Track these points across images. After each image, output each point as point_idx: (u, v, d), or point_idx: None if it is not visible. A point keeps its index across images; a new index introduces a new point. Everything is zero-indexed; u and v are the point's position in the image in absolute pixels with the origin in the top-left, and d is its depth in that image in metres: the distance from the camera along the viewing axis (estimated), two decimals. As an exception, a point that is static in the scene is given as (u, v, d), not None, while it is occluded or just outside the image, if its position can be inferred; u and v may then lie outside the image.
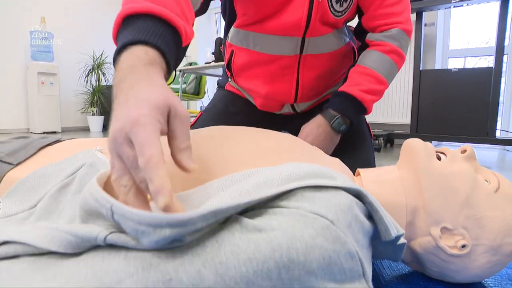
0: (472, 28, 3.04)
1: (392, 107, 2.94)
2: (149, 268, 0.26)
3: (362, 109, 0.72)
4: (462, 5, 2.26)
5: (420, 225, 0.44)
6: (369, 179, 0.48)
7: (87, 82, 4.52)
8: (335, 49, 0.78)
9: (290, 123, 0.90)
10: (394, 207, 0.44)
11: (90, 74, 4.54)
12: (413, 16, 2.52)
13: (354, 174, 0.51)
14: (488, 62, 3.00)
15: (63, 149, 0.52)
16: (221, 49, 2.77)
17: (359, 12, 0.78)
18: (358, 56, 0.80)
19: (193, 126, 0.89)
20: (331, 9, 0.71)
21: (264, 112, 0.90)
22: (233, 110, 0.89)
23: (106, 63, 4.65)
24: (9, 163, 0.48)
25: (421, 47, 2.48)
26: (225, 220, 0.28)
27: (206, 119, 0.88)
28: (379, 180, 0.47)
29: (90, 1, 4.78)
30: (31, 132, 4.15)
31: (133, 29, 0.39)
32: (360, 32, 0.81)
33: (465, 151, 0.46)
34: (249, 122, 0.72)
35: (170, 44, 0.40)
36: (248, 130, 0.50)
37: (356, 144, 0.80)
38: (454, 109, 2.36)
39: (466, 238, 0.42)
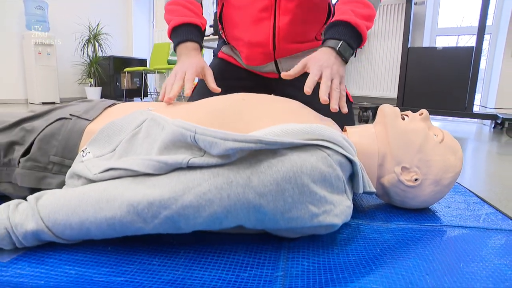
0: (461, 7, 3.17)
1: (380, 82, 3.12)
2: (217, 176, 0.44)
3: (358, 34, 0.74)
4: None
5: (387, 166, 0.62)
6: (352, 133, 0.66)
7: (83, 53, 4.54)
8: None
9: (277, 89, 1.03)
10: (370, 153, 0.63)
11: (86, 45, 4.55)
12: (403, -2, 2.65)
13: (342, 130, 0.69)
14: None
15: (121, 109, 0.68)
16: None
17: None
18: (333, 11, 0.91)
19: (192, 93, 0.99)
20: None
21: (253, 76, 1.03)
22: (225, 76, 1.00)
23: (103, 33, 4.65)
24: (86, 119, 0.64)
25: (410, 25, 2.62)
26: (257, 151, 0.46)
27: (203, 86, 0.97)
28: (360, 134, 0.65)
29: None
30: (30, 103, 4.21)
31: (181, 33, 0.85)
32: None
33: (421, 114, 0.64)
34: (240, 87, 0.88)
35: (199, 36, 0.87)
36: (269, 97, 0.66)
37: (340, 111, 0.92)
38: (437, 84, 2.54)
39: (418, 174, 0.60)
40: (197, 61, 0.79)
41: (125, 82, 4.68)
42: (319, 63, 0.69)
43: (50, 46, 4.14)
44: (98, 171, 0.50)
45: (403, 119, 0.65)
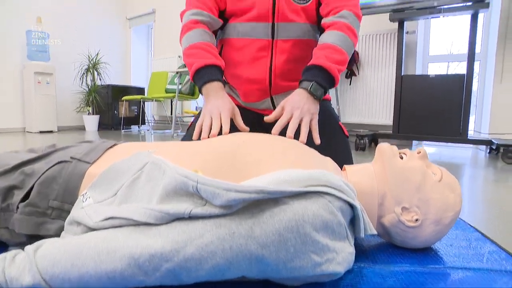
0: (451, 36, 3.28)
1: (376, 109, 3.16)
2: (219, 226, 0.43)
3: (329, 76, 0.83)
4: (439, 16, 2.48)
5: (387, 205, 0.62)
6: (352, 173, 0.66)
7: (82, 82, 4.61)
8: (303, 37, 0.96)
9: (273, 126, 1.07)
10: (370, 193, 0.63)
11: (86, 74, 4.63)
12: (395, 25, 2.74)
13: (341, 168, 0.70)
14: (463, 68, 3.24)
15: (122, 151, 0.68)
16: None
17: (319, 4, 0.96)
18: None
19: (189, 128, 1.06)
20: None
21: (250, 114, 1.06)
22: None
23: (102, 63, 4.74)
24: (86, 162, 0.64)
25: (403, 53, 2.70)
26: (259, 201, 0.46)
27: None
28: (359, 173, 0.66)
29: (86, 2, 4.86)
30: (27, 131, 4.22)
31: (205, 74, 0.87)
32: (319, 23, 0.98)
33: (419, 152, 0.65)
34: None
35: (221, 76, 0.90)
36: (269, 138, 0.67)
37: (337, 147, 0.95)
38: (432, 111, 2.58)
39: (418, 214, 0.60)
40: (228, 102, 0.83)
41: (123, 110, 4.72)
42: (291, 105, 0.79)
43: (50, 75, 4.21)
44: (98, 219, 0.49)
45: (401, 157, 0.66)
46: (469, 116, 2.49)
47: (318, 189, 0.48)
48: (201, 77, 0.86)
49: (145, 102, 4.96)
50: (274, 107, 1.03)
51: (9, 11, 4.09)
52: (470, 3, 2.32)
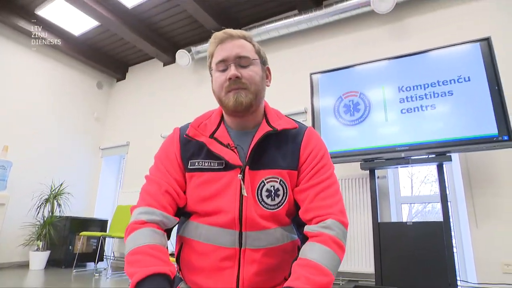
0: (419, 177, 3.40)
1: (355, 256, 2.96)
2: None
3: None
4: (407, 166, 2.56)
5: None
6: None
7: (38, 213, 4.24)
8: (276, 244, 0.82)
9: None
10: None
11: (44, 205, 4.29)
12: (367, 173, 2.79)
13: None
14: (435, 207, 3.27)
15: None
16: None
17: (297, 206, 0.86)
18: None
19: None
20: (262, 203, 0.82)
21: None
22: None
23: (64, 193, 4.48)
24: None
25: (377, 199, 2.67)
26: None
27: None
28: None
29: (60, 132, 4.89)
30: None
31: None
32: (299, 226, 0.88)
33: None
34: None
35: (167, 286, 0.70)
36: None
37: None
38: (414, 260, 2.41)
39: None
40: None
41: (79, 245, 4.24)
42: None
43: (1, 206, 3.84)
44: None
45: None
46: (455, 267, 2.32)
47: None
48: None
49: (106, 238, 4.53)
50: None
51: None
52: (433, 156, 2.43)
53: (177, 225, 0.92)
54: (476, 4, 3.09)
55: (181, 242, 0.88)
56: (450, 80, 2.57)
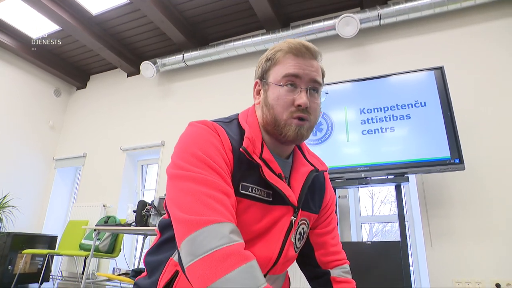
0: (380, 198, 3.48)
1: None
2: None
3: None
4: (367, 186, 2.61)
5: None
6: None
7: (-23, 228, 3.85)
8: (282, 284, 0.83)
9: None
10: None
11: (-16, 219, 3.91)
12: (328, 191, 2.81)
13: None
14: (394, 226, 3.35)
15: None
16: (143, 213, 2.65)
17: (309, 248, 0.85)
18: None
19: None
20: (295, 246, 0.77)
21: None
22: None
23: (8, 206, 4.11)
24: None
25: (338, 219, 2.68)
26: None
27: None
28: None
29: (10, 139, 4.52)
30: None
31: None
32: (308, 265, 0.87)
33: None
34: None
35: None
36: None
37: None
38: (372, 278, 2.43)
39: None
40: None
41: (22, 264, 3.87)
42: None
43: None
44: None
45: None
46: (411, 284, 2.36)
47: None
48: None
49: (54, 256, 4.18)
50: None
51: None
52: (392, 176, 2.50)
53: (165, 241, 0.74)
54: (433, 35, 3.30)
55: (177, 270, 0.69)
56: (408, 104, 2.68)
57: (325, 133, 2.84)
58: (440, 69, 2.67)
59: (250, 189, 0.68)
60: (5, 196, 4.12)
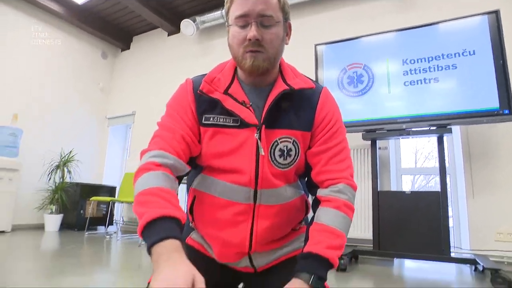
0: (421, 149, 3.47)
1: (355, 223, 3.10)
2: None
3: (329, 264, 0.76)
4: (408, 138, 2.63)
5: None
6: None
7: (50, 179, 4.39)
8: (288, 200, 0.87)
9: (249, 281, 0.94)
10: None
11: (55, 171, 4.45)
12: (368, 143, 2.87)
13: None
14: (437, 182, 3.37)
15: None
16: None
17: (308, 167, 0.89)
18: (310, 208, 0.90)
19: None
20: (274, 161, 0.83)
21: (224, 270, 0.92)
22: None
23: (74, 160, 4.62)
24: None
25: (377, 168, 2.76)
26: None
27: None
28: None
29: (67, 101, 4.96)
30: (-25, 232, 3.79)
31: (156, 230, 0.63)
32: (310, 186, 0.91)
33: None
34: (213, 285, 0.76)
35: (179, 232, 0.65)
36: None
37: None
38: (410, 227, 2.54)
39: None
40: (184, 273, 0.56)
41: (90, 210, 4.43)
42: None
43: (14, 172, 3.99)
44: None
45: None
46: (449, 234, 2.45)
47: None
48: (151, 234, 0.63)
49: (115, 203, 4.71)
50: (253, 265, 0.90)
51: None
52: (434, 128, 2.49)
53: (188, 177, 0.92)
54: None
55: (194, 195, 0.89)
56: (455, 54, 2.58)
57: (366, 85, 2.84)
58: (495, 13, 2.50)
59: (212, 119, 0.84)
60: (70, 151, 4.62)
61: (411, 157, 3.74)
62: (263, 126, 0.82)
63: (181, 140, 0.81)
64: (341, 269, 2.35)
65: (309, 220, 0.86)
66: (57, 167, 4.48)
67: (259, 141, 0.82)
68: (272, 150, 0.84)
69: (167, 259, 0.58)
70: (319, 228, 0.79)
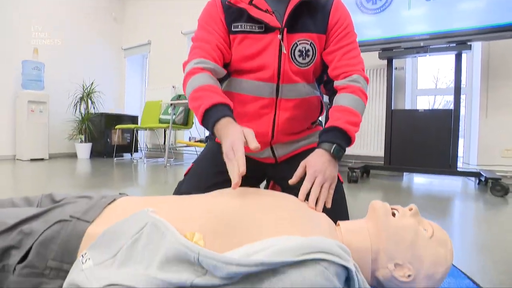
0: (438, 69, 3.41)
1: (368, 141, 3.23)
2: None
3: (348, 137, 0.88)
4: (425, 55, 2.60)
5: (381, 261, 0.64)
6: (346, 230, 0.68)
7: (76, 110, 4.62)
8: (305, 96, 1.01)
9: (272, 171, 1.10)
10: (364, 250, 0.65)
11: (80, 103, 4.65)
12: (384, 62, 2.85)
13: (335, 223, 0.72)
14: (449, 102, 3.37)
15: (121, 209, 0.69)
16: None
17: (325, 67, 1.02)
18: (325, 107, 1.03)
19: (187, 174, 1.07)
20: (295, 60, 0.96)
21: (250, 161, 1.07)
22: (221, 162, 0.96)
23: (96, 91, 4.78)
24: (86, 221, 0.65)
25: (392, 88, 2.79)
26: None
27: (197, 168, 1.06)
28: (353, 231, 0.68)
29: (82, 33, 4.96)
30: (17, 159, 4.17)
31: (213, 114, 0.82)
32: (328, 82, 1.05)
33: (411, 209, 0.68)
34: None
35: (230, 112, 0.84)
36: (266, 198, 0.69)
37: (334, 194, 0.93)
38: (421, 144, 2.65)
39: (411, 270, 0.62)
40: (235, 134, 0.74)
41: (116, 138, 4.72)
42: (314, 168, 0.79)
43: (43, 104, 4.21)
44: (99, 285, 0.50)
45: (394, 214, 0.68)
46: (457, 149, 2.55)
47: (314, 256, 0.50)
48: (210, 117, 0.82)
49: (138, 131, 4.98)
50: (274, 156, 1.06)
51: (6, 42, 4.15)
52: (454, 45, 2.44)
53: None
54: None
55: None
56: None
57: (385, 1, 2.72)
58: None
59: (240, 26, 0.96)
60: (92, 83, 4.76)
61: (430, 79, 3.68)
62: (285, 30, 0.94)
63: (216, 49, 0.95)
64: (353, 180, 2.54)
65: (324, 123, 0.99)
66: (81, 98, 4.67)
67: (281, 41, 0.93)
68: (292, 50, 0.95)
69: (225, 131, 0.78)
70: (338, 109, 0.92)
